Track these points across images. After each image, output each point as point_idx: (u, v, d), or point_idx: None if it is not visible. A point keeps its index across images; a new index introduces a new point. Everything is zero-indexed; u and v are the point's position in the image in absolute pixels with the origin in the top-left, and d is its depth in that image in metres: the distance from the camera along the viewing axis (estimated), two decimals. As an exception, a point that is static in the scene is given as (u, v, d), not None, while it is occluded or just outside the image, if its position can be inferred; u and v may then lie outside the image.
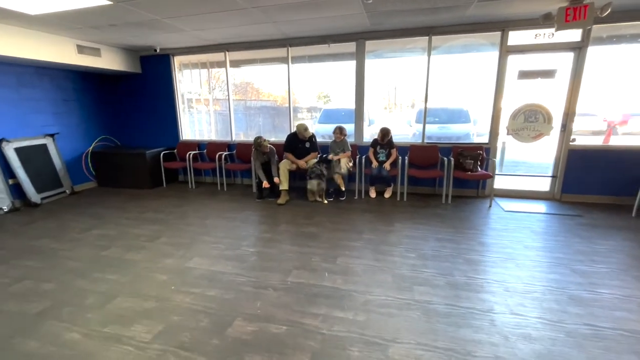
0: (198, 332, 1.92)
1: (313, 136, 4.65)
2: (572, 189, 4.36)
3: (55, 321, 2.06)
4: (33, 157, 4.67)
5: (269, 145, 4.47)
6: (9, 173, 4.42)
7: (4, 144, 4.34)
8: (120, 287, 2.44)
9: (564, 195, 4.41)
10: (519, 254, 2.85)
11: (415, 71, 4.75)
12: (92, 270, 2.70)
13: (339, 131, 4.60)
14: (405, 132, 5.98)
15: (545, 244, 3.07)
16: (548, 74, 4.19)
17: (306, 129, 4.44)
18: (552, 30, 4.02)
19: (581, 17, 3.22)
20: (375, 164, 4.49)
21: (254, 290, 2.35)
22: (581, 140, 4.23)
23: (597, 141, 4.39)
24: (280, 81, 5.35)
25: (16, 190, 4.50)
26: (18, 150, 4.49)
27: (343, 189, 4.61)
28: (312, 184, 4.37)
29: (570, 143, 4.22)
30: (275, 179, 4.47)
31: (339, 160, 4.49)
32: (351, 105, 5.01)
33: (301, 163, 4.52)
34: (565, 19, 3.26)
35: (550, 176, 4.47)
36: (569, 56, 4.07)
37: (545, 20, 3.41)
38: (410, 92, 5.85)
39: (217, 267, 2.70)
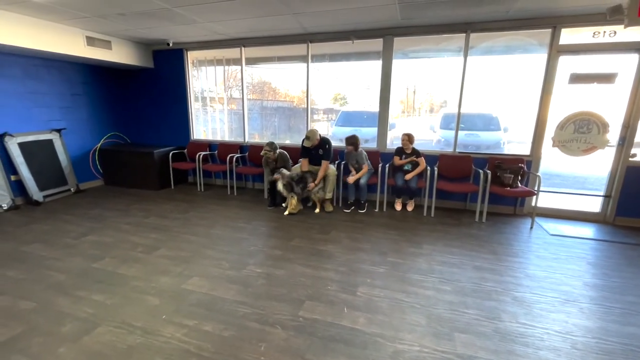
0: (186, 385, 1.54)
1: (326, 143, 4.09)
2: (628, 211, 3.78)
3: (21, 356, 1.72)
4: (37, 153, 4.44)
5: (279, 150, 4.10)
6: (12, 169, 4.21)
7: (7, 138, 4.13)
8: (104, 311, 2.09)
9: (617, 218, 3.83)
10: (579, 295, 2.35)
11: (440, 73, 4.32)
12: (78, 287, 2.38)
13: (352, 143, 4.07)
14: (427, 138, 5.53)
15: (608, 281, 2.55)
16: (607, 78, 3.63)
17: (309, 136, 3.96)
18: (614, 27, 3.49)
19: (659, 10, 2.70)
20: (403, 162, 4.12)
21: (259, 326, 1.96)
22: (641, 155, 3.67)
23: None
24: (297, 81, 5.00)
25: (18, 187, 4.28)
26: (22, 146, 4.27)
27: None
28: (281, 188, 3.99)
29: (630, 159, 3.65)
30: (276, 176, 3.98)
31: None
32: (371, 107, 4.56)
33: (311, 186, 4.01)
34: (639, 13, 2.74)
35: (603, 195, 3.90)
36: (633, 58, 3.52)
37: (613, 15, 2.87)
38: (430, 95, 5.45)
39: (218, 292, 2.32)
